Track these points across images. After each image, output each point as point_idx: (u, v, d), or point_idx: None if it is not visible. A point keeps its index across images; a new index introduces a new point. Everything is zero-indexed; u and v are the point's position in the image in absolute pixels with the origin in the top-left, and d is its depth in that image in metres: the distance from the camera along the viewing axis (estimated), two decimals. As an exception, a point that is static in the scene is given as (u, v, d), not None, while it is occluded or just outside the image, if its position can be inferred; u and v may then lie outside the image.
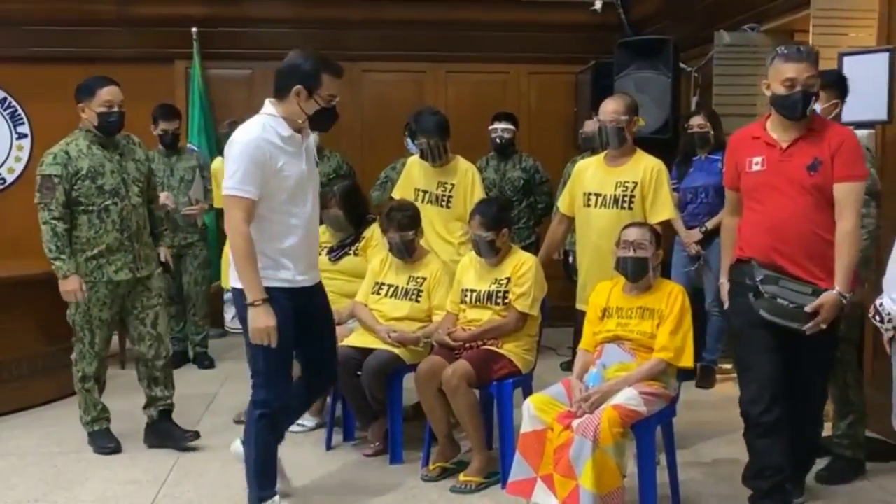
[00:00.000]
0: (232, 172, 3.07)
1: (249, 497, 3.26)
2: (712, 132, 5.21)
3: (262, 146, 3.07)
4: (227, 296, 5.97)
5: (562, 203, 4.28)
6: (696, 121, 5.27)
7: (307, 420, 4.41)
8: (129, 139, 4.18)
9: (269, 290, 3.09)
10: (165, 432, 4.21)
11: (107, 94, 3.95)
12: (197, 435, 4.20)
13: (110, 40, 7.06)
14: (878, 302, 2.93)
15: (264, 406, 3.18)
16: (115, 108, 3.97)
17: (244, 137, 3.09)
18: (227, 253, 4.79)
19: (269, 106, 3.17)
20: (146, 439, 4.24)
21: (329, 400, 4.30)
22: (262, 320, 3.04)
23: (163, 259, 4.29)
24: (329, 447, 4.19)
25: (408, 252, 4.13)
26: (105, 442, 4.18)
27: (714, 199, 5.16)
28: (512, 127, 5.88)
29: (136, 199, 4.07)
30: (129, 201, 4.02)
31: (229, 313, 6.55)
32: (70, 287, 3.90)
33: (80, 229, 3.97)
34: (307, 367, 3.47)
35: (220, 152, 5.15)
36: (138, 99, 7.10)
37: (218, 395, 5.20)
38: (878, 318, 2.92)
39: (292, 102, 3.12)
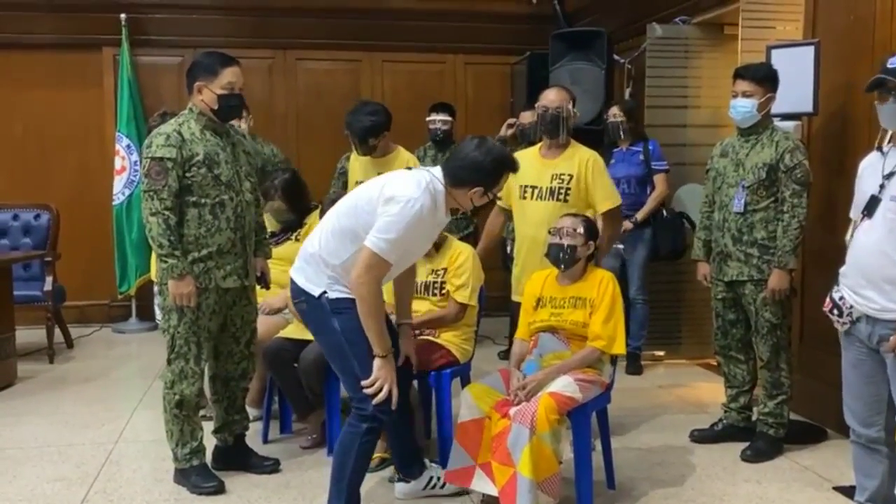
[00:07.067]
0: (386, 234, 2.88)
1: None
2: (626, 124, 5.35)
3: (424, 219, 2.95)
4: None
5: (498, 194, 4.28)
6: (613, 110, 5.45)
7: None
8: (234, 129, 3.73)
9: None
10: (241, 458, 3.77)
11: (231, 74, 3.47)
12: (277, 463, 3.77)
13: (34, 26, 6.85)
14: (836, 295, 2.86)
15: (373, 420, 3.00)
16: (237, 91, 3.51)
17: (415, 205, 2.90)
18: None
19: (438, 181, 3.02)
20: (215, 463, 3.72)
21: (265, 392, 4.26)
22: (390, 371, 2.96)
23: (259, 272, 3.76)
24: (266, 440, 4.14)
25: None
26: (206, 480, 3.53)
27: (636, 189, 5.35)
28: (449, 118, 5.86)
29: (249, 195, 3.59)
30: (244, 197, 3.55)
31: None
32: (186, 289, 3.37)
33: (187, 226, 3.42)
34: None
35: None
36: (66, 87, 6.99)
37: (151, 386, 5.10)
38: (836, 311, 2.85)
39: (465, 196, 3.04)
